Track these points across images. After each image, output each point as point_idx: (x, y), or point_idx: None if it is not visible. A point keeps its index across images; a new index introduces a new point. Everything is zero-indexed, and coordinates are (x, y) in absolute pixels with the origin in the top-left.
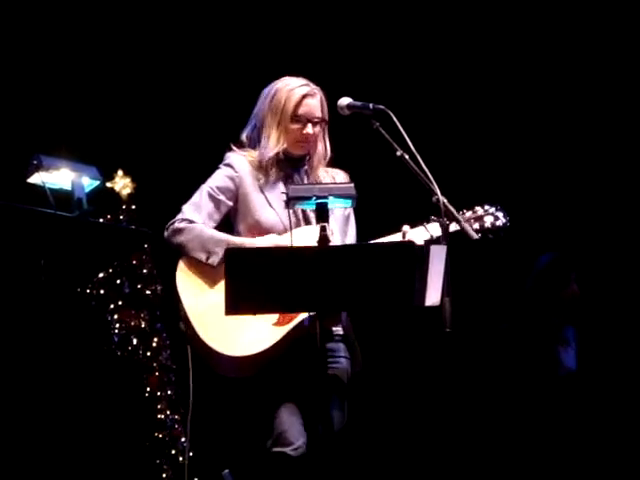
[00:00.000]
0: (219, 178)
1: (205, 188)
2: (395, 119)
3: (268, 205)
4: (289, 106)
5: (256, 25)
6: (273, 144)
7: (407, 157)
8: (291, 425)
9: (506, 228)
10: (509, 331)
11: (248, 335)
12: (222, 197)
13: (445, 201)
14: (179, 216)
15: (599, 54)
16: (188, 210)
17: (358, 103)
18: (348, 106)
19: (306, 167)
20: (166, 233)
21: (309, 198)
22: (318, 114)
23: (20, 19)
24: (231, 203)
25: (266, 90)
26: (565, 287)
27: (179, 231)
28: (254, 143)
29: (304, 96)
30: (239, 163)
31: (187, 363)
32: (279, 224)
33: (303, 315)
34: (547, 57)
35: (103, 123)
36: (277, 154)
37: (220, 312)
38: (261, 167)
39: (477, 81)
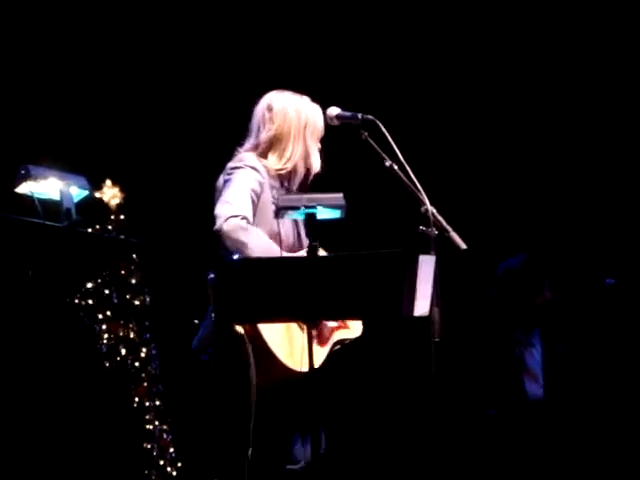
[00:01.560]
0: (252, 180)
1: (245, 188)
2: (384, 129)
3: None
4: (321, 125)
5: (242, 38)
6: (318, 160)
7: (396, 167)
8: (297, 442)
9: None
10: (478, 336)
11: (300, 351)
12: (256, 200)
13: (434, 211)
14: (233, 210)
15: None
16: (241, 207)
17: (347, 113)
18: (337, 116)
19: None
20: (225, 226)
21: (298, 208)
22: None
23: (6, 30)
24: (255, 207)
25: (281, 102)
26: (539, 293)
27: (244, 229)
28: (263, 153)
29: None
30: (262, 169)
31: (176, 373)
32: (287, 238)
33: (336, 337)
34: (531, 74)
35: (92, 133)
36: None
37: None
38: (278, 178)
39: (463, 92)
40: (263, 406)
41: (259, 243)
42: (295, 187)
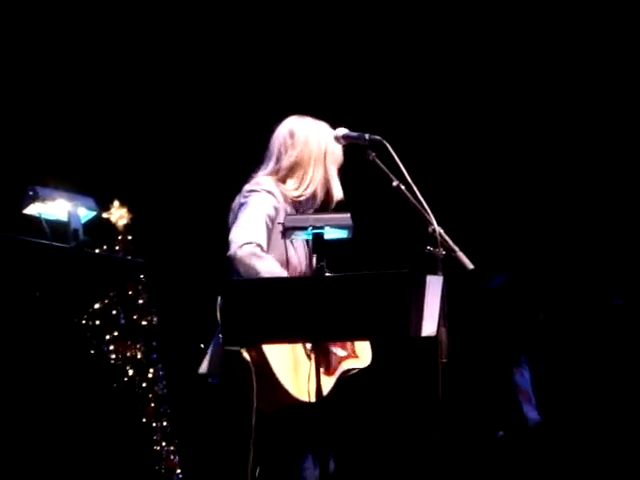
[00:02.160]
0: (268, 205)
1: (260, 213)
2: (391, 150)
3: (291, 243)
4: (340, 153)
5: (252, 61)
6: (339, 188)
7: (403, 188)
8: (308, 467)
9: None
10: (467, 355)
11: (306, 380)
12: (270, 225)
13: (441, 231)
14: (248, 237)
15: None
16: (255, 234)
17: (354, 134)
18: (344, 136)
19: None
20: (240, 252)
21: (305, 228)
22: None
23: (12, 47)
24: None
25: (302, 131)
26: (533, 323)
27: (257, 256)
28: (282, 178)
29: None
30: (278, 194)
31: (183, 394)
32: (298, 264)
33: (344, 366)
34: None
35: (100, 154)
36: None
37: (289, 350)
38: (294, 204)
39: (471, 113)
40: (272, 429)
41: (271, 272)
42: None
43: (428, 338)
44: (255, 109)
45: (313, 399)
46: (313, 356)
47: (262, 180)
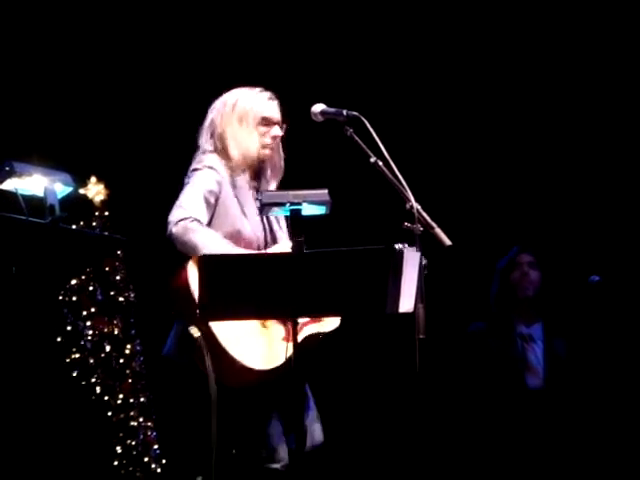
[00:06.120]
0: (209, 181)
1: (200, 189)
2: (369, 126)
3: (243, 214)
4: (258, 109)
5: (227, 37)
6: (253, 145)
7: (381, 164)
8: (280, 441)
9: None
10: (479, 333)
11: (263, 348)
12: (212, 201)
13: (419, 208)
14: (184, 213)
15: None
16: (192, 208)
17: (331, 109)
18: (322, 112)
19: (262, 180)
20: (175, 229)
21: (283, 204)
22: (280, 117)
23: None
24: (214, 207)
25: (223, 98)
26: (513, 269)
27: (193, 231)
28: (219, 150)
29: (269, 98)
30: (219, 167)
31: (158, 370)
32: (253, 234)
33: (306, 331)
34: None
35: (77, 129)
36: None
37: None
38: (235, 172)
39: (446, 88)
40: (234, 403)
41: (211, 243)
42: (268, 178)
43: (405, 314)
44: (231, 86)
45: (272, 366)
46: (271, 324)
47: (204, 157)
